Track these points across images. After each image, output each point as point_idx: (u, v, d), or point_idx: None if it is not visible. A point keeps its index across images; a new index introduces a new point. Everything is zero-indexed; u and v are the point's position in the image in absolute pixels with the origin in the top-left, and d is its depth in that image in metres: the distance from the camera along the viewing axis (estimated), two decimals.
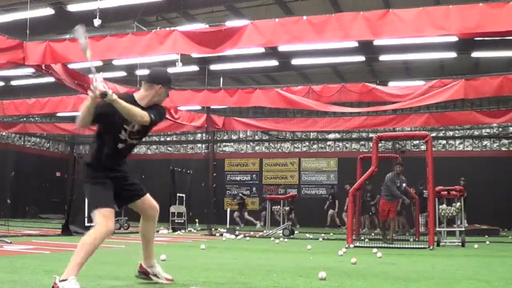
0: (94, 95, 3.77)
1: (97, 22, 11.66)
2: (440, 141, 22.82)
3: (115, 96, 3.81)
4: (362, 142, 23.84)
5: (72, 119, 21.49)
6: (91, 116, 3.92)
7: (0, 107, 16.43)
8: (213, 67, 18.25)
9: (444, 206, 11.51)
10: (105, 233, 3.84)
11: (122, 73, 18.18)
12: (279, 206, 14.89)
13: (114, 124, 4.03)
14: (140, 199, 4.28)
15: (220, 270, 5.72)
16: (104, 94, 3.75)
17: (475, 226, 16.79)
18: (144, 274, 4.45)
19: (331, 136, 24.21)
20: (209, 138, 22.98)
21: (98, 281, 4.50)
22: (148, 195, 4.35)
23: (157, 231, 15.67)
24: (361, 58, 17.32)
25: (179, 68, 14.44)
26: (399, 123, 17.03)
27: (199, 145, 26.46)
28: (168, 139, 27.38)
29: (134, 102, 4.04)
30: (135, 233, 14.43)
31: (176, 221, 16.88)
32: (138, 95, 4.16)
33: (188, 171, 19.20)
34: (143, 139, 4.45)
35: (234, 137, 26.18)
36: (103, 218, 3.85)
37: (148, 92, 4.14)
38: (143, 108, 4.04)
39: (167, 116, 16.53)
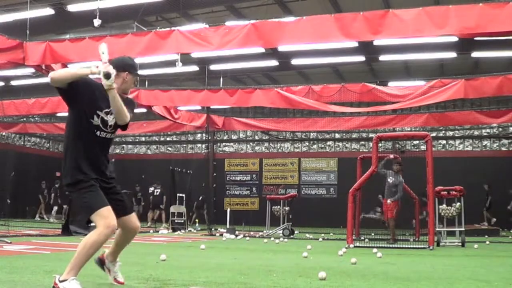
0: (97, 70, 3.73)
1: (97, 22, 11.67)
2: (440, 141, 22.82)
3: (115, 85, 3.80)
4: (362, 142, 23.84)
5: None
6: (70, 82, 3.79)
7: (0, 107, 16.43)
8: (213, 67, 18.24)
9: (444, 206, 11.52)
10: (107, 233, 3.75)
11: None
12: (279, 206, 14.91)
13: (92, 107, 3.93)
14: (126, 216, 4.12)
15: (220, 270, 5.72)
16: (108, 75, 3.71)
17: (475, 226, 16.79)
18: (101, 262, 4.36)
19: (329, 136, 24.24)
20: (209, 138, 22.96)
21: (98, 281, 4.50)
22: (134, 214, 4.22)
23: (157, 231, 15.69)
24: (361, 58, 17.31)
25: (179, 68, 14.44)
26: (399, 123, 17.02)
27: (199, 145, 26.45)
28: (168, 139, 27.38)
29: (104, 90, 3.87)
30: None
31: (176, 221, 16.88)
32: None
33: (188, 171, 19.20)
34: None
35: (234, 137, 26.19)
36: (102, 218, 3.78)
37: (115, 80, 3.91)
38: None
39: (167, 116, 16.55)
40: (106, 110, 3.98)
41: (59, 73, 3.87)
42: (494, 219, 18.91)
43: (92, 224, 4.00)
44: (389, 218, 11.65)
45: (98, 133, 3.99)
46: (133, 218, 4.19)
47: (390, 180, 11.64)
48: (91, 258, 3.87)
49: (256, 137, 25.58)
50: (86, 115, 3.94)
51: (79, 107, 3.94)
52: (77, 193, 3.92)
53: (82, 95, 3.91)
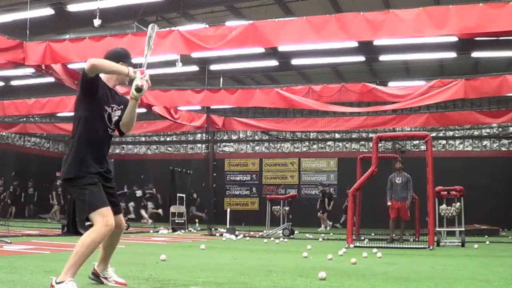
0: (134, 76, 3.91)
1: (97, 22, 11.67)
2: (440, 141, 22.82)
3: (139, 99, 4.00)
4: (362, 142, 23.84)
5: (72, 119, 21.48)
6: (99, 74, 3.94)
7: (0, 107, 16.44)
8: (213, 67, 18.23)
9: (444, 206, 11.51)
10: (105, 232, 3.76)
11: None
12: (279, 206, 14.91)
13: (104, 101, 4.04)
14: (116, 216, 4.02)
15: (220, 270, 5.72)
16: (139, 89, 3.91)
17: (475, 226, 16.78)
18: (96, 276, 4.29)
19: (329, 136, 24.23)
20: (209, 138, 22.96)
21: (94, 282, 4.48)
22: (121, 214, 4.22)
23: (157, 231, 15.68)
24: (361, 58, 17.29)
25: (179, 68, 14.44)
26: (399, 123, 17.02)
27: (199, 145, 26.46)
28: (168, 139, 27.38)
29: (107, 87, 4.06)
30: (135, 233, 14.43)
31: (176, 221, 16.88)
32: (103, 77, 4.06)
33: (188, 171, 19.19)
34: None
35: (234, 137, 26.18)
36: (101, 217, 3.78)
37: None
38: (114, 93, 4.11)
39: (167, 116, 16.55)
40: (112, 105, 4.08)
41: (101, 62, 3.90)
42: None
43: (88, 223, 3.97)
44: (402, 220, 11.54)
45: (105, 128, 4.06)
46: (121, 217, 4.22)
47: (398, 180, 11.57)
48: (88, 262, 3.84)
49: (256, 137, 25.58)
50: (100, 108, 4.00)
51: (96, 99, 3.98)
52: (78, 189, 3.90)
53: (100, 88, 4.00)
